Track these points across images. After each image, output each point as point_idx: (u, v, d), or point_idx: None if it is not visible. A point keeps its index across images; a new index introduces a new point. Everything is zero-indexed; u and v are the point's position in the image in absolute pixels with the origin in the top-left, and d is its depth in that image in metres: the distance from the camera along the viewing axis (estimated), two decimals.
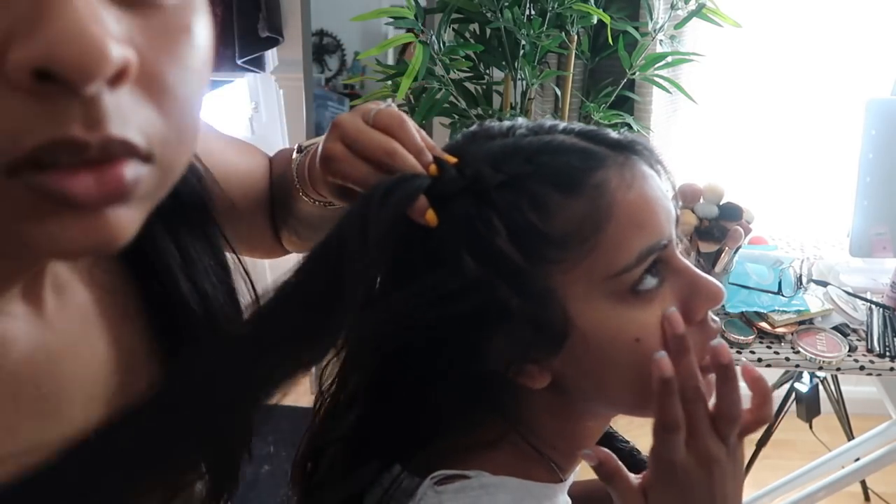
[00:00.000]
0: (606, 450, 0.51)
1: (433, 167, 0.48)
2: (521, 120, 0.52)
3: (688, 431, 0.47)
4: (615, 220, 0.45)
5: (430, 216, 0.46)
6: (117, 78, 0.26)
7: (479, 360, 0.48)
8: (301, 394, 2.10)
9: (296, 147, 0.64)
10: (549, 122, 0.51)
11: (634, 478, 0.51)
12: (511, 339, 0.47)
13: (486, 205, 0.46)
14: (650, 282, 0.47)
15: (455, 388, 0.49)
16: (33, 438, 0.38)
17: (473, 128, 0.53)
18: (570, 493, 0.56)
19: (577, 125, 0.51)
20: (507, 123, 0.51)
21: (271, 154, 0.70)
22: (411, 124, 0.49)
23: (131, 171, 0.28)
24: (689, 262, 0.50)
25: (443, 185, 0.47)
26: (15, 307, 0.38)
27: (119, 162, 0.27)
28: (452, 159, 0.48)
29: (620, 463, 0.50)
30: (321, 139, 0.62)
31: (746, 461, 1.84)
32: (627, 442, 0.66)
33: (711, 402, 0.49)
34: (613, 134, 0.50)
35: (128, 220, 0.29)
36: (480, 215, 0.46)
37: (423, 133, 0.50)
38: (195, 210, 0.51)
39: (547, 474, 0.53)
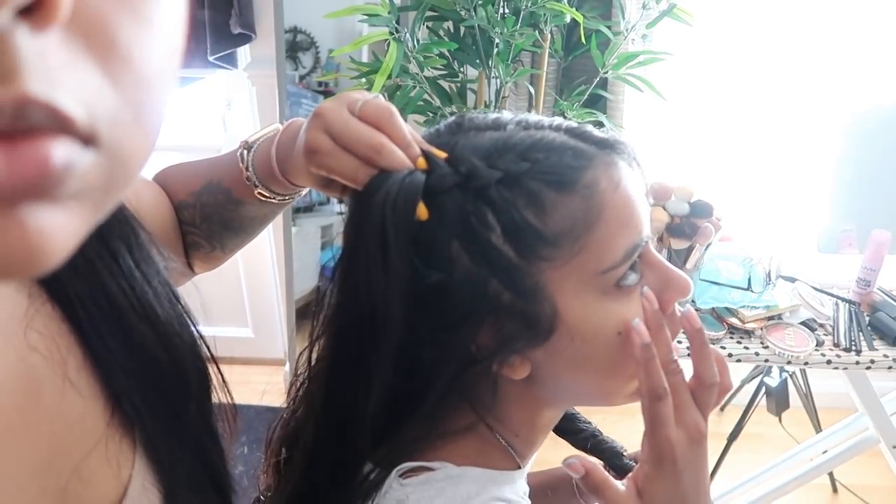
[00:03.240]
0: (592, 460, 0.50)
1: (421, 161, 0.47)
2: (506, 112, 0.52)
3: (674, 406, 0.48)
4: (604, 219, 0.46)
5: (422, 211, 0.45)
6: (40, 13, 0.17)
7: (465, 352, 0.48)
8: (277, 394, 2.08)
9: (241, 145, 0.60)
10: (532, 116, 0.51)
11: (622, 483, 0.50)
12: (498, 331, 0.48)
13: (481, 201, 0.46)
14: (632, 277, 0.48)
15: (436, 379, 0.49)
16: None
17: (455, 118, 0.52)
18: (527, 484, 0.56)
19: (563, 121, 0.51)
20: (492, 115, 0.51)
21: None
22: (399, 117, 0.48)
23: (62, 152, 0.19)
24: (660, 257, 0.52)
25: (435, 181, 0.46)
26: None
27: (43, 137, 0.18)
28: (442, 154, 0.48)
29: (606, 472, 0.50)
30: (269, 130, 0.60)
31: (718, 455, 1.89)
32: (590, 423, 0.67)
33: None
34: (598, 132, 0.50)
35: (57, 228, 0.19)
36: (476, 211, 0.46)
37: (409, 126, 0.48)
38: (135, 234, 0.42)
39: (507, 462, 0.53)
